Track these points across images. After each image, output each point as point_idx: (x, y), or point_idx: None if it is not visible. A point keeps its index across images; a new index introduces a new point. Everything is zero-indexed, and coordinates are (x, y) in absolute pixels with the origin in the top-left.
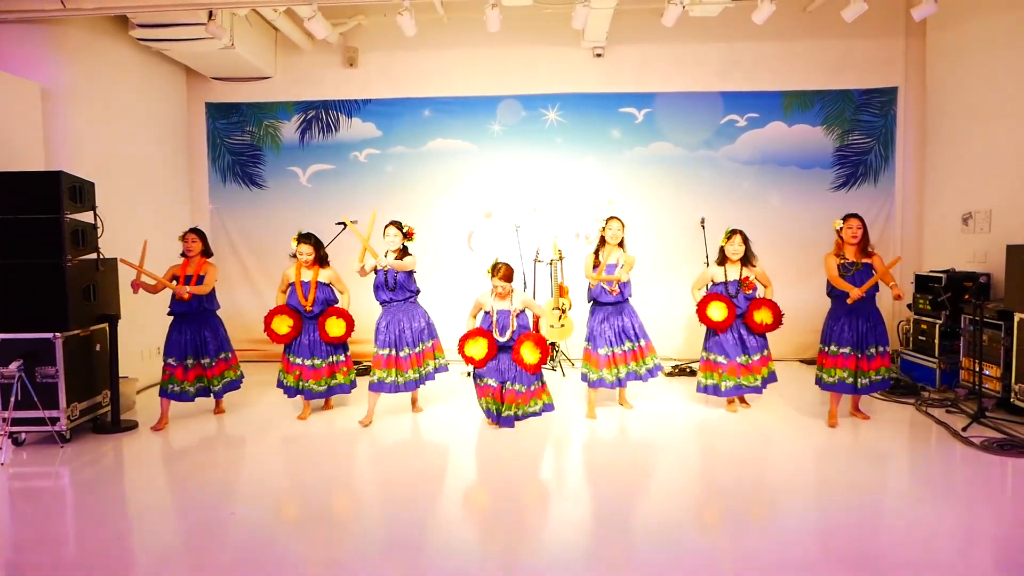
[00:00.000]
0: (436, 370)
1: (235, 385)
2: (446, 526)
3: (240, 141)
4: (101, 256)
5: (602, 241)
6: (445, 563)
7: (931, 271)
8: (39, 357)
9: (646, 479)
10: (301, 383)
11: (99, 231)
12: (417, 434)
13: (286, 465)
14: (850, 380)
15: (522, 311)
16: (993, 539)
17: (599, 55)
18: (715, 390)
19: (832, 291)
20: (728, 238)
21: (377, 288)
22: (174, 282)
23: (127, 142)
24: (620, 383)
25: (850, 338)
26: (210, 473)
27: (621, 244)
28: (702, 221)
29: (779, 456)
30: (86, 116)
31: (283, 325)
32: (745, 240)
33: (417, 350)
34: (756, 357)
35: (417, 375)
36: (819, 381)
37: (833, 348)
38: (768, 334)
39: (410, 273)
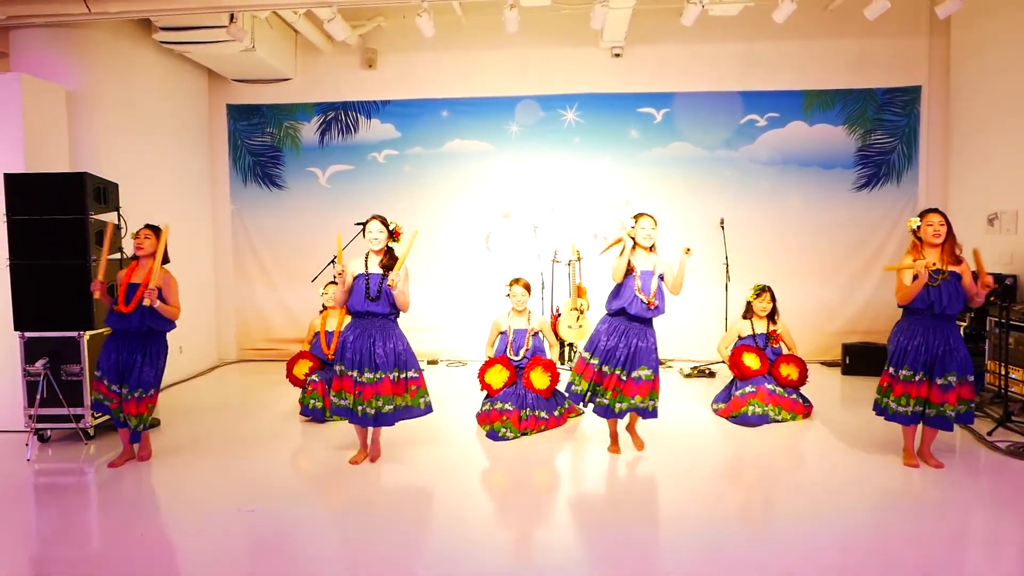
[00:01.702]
0: (419, 410)
1: (146, 426)
2: (462, 528)
3: (260, 142)
4: (125, 256)
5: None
6: (464, 564)
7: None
8: (64, 355)
9: (671, 488)
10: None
11: (123, 231)
12: (439, 435)
13: (304, 464)
14: (919, 410)
15: (537, 332)
16: (1020, 546)
17: (617, 55)
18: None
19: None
20: (758, 295)
21: (354, 295)
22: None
23: (150, 143)
24: (616, 414)
25: (923, 361)
26: (230, 470)
27: (653, 248)
28: (721, 222)
29: (794, 459)
30: (110, 118)
31: (303, 368)
32: (773, 297)
33: (392, 377)
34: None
35: (384, 407)
36: (881, 409)
37: (905, 372)
38: (790, 336)
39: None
